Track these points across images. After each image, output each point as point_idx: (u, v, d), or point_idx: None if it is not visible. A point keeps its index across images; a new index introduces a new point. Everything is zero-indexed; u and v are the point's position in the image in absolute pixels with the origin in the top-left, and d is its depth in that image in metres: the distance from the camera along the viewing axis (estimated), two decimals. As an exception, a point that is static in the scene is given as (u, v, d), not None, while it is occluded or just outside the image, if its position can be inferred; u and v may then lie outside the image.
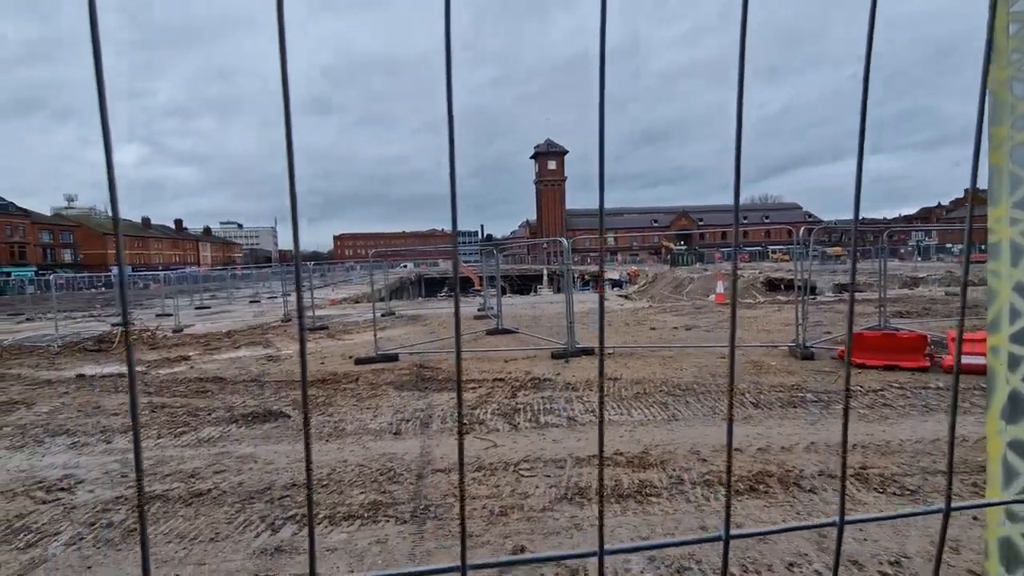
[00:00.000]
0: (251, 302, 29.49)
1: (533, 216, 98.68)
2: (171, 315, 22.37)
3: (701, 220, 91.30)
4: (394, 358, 9.82)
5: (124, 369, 10.28)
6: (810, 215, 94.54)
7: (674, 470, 4.31)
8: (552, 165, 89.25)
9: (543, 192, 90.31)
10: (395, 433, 5.57)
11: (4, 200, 64.25)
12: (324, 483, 4.31)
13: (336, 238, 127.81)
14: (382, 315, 18.87)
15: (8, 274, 56.42)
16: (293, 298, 23.67)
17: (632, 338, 11.25)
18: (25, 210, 68.22)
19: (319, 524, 3.64)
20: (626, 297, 23.91)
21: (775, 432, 5.09)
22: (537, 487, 4.11)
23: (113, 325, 19.15)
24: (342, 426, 5.85)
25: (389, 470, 4.54)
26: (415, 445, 5.18)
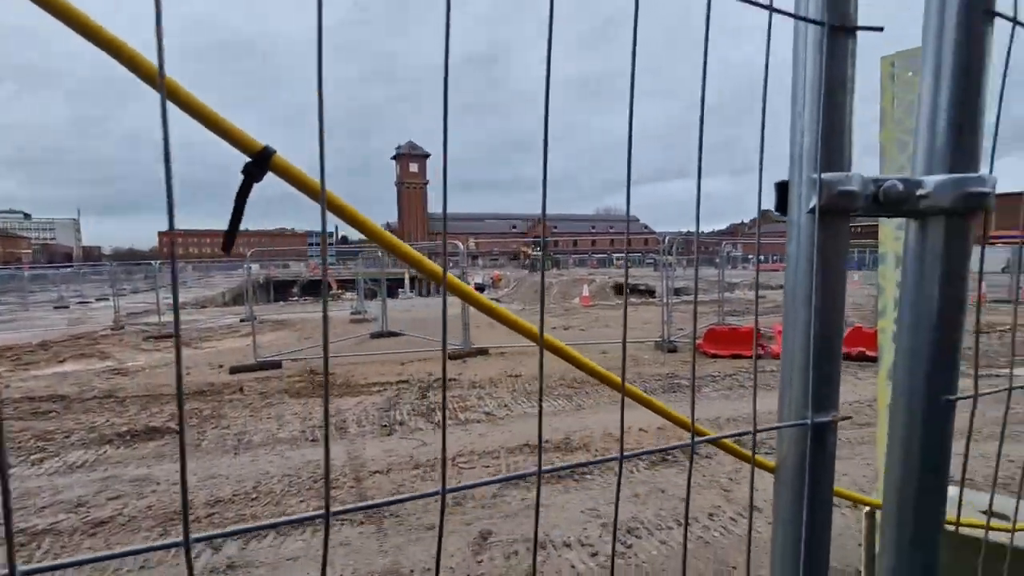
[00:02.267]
0: (57, 307, 24.55)
1: (393, 218, 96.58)
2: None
3: (555, 228, 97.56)
4: (277, 365, 9.16)
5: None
6: (646, 226, 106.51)
7: (596, 450, 4.85)
8: (414, 168, 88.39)
9: (404, 194, 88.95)
10: (312, 440, 5.33)
11: None
12: (254, 496, 4.04)
13: (162, 234, 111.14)
14: (241, 320, 17.18)
15: None
16: (124, 302, 20.33)
17: (519, 339, 11.87)
18: None
19: (265, 537, 3.46)
20: (498, 300, 24.79)
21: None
22: (480, 477, 4.33)
23: None
24: (247, 438, 5.42)
25: (323, 476, 4.39)
26: (340, 450, 5.04)
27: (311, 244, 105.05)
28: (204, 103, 0.47)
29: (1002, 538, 1.89)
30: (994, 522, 2.01)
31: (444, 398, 0.50)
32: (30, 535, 3.49)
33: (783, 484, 0.53)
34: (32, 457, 4.93)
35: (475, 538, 3.39)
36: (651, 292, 30.23)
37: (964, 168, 0.46)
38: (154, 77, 0.46)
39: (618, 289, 36.02)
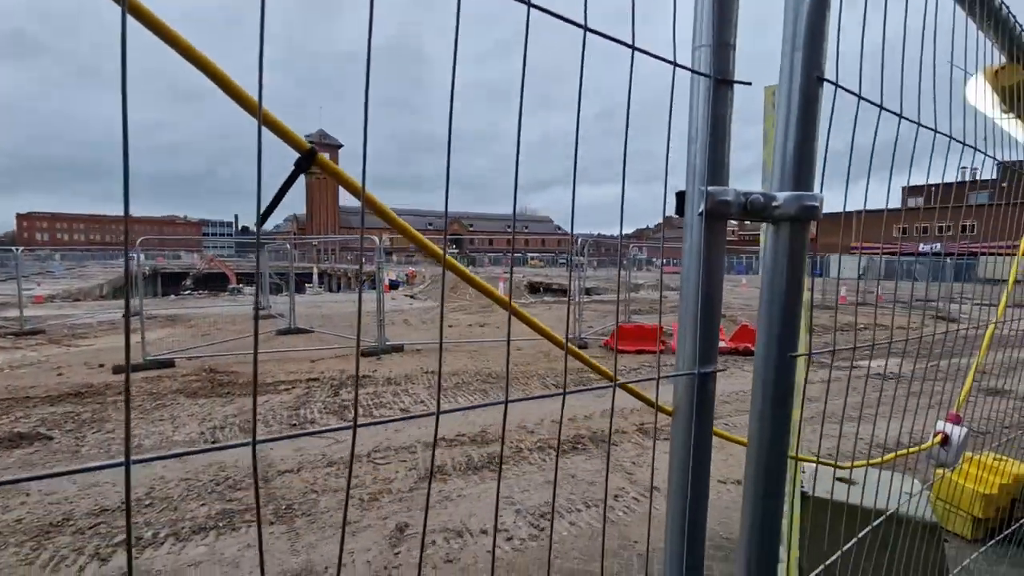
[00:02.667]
0: None
1: (301, 210, 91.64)
2: None
3: (472, 226, 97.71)
4: (169, 364, 8.44)
5: None
6: (559, 228, 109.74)
7: (511, 442, 5.02)
8: (325, 157, 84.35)
9: (313, 186, 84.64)
10: (213, 442, 5.01)
11: None
12: (147, 503, 3.75)
13: (20, 217, 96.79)
14: (123, 315, 15.52)
15: None
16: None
17: (433, 336, 11.84)
18: None
19: (163, 545, 3.24)
20: (412, 297, 24.43)
21: (577, 405, 6.26)
22: (397, 472, 4.34)
23: None
24: (136, 442, 4.99)
25: (226, 479, 4.17)
26: (245, 451, 4.78)
27: (207, 234, 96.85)
28: (256, 99, 0.51)
29: (852, 500, 2.27)
30: (830, 469, 2.39)
31: (439, 376, 0.58)
32: None
33: (678, 422, 0.68)
34: None
35: (392, 531, 3.41)
36: (564, 291, 31.29)
37: (803, 187, 0.63)
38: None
39: (532, 288, 36.88)
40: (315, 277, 42.71)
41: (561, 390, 0.80)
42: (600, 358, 9.28)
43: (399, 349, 9.61)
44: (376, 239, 9.87)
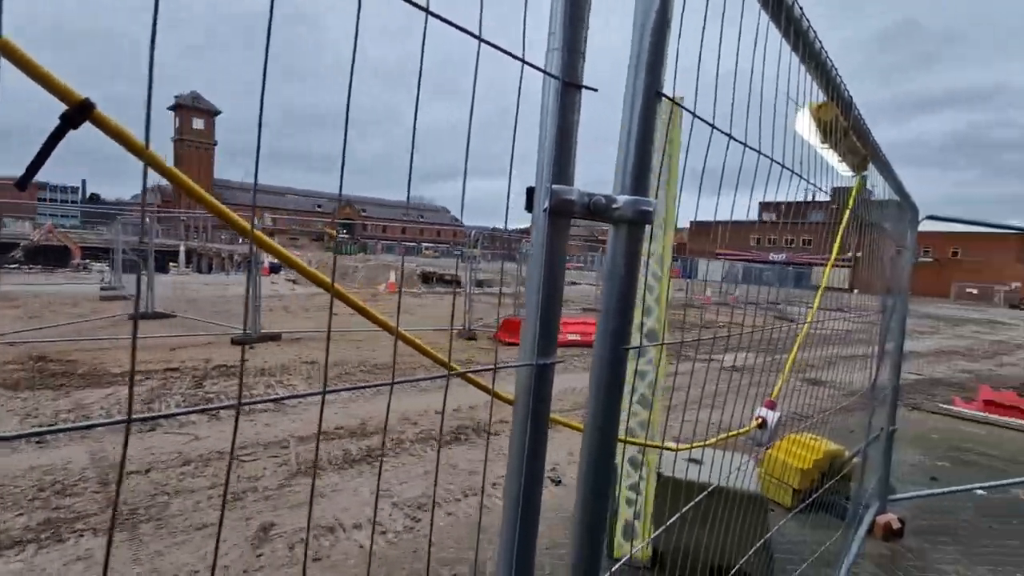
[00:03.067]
0: None
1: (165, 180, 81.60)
2: None
3: (364, 211, 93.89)
4: (-18, 351, 7.11)
5: None
6: (456, 219, 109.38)
7: (392, 434, 4.93)
8: (199, 124, 75.97)
9: (184, 155, 75.88)
10: (38, 443, 4.32)
11: None
12: None
13: None
14: (-80, 292, 12.78)
15: None
16: None
17: (315, 324, 11.23)
18: None
19: (-41, 564, 2.73)
20: (294, 282, 22.92)
21: (462, 394, 6.30)
22: (265, 469, 4.06)
23: None
24: (-70, 444, 4.14)
25: (53, 483, 3.62)
26: (79, 452, 4.18)
27: (43, 200, 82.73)
28: (18, 45, 0.42)
29: (694, 478, 2.53)
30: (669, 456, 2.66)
31: (327, 354, 0.53)
32: None
33: (517, 411, 0.70)
34: None
35: (255, 532, 3.18)
36: (458, 282, 31.28)
37: (640, 192, 0.69)
38: None
39: (425, 277, 36.39)
40: (182, 256, 38.42)
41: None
42: (487, 350, 9.43)
43: (275, 338, 8.98)
44: (268, 216, 9.08)
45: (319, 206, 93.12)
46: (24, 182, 0.48)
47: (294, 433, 4.82)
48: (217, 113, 77.54)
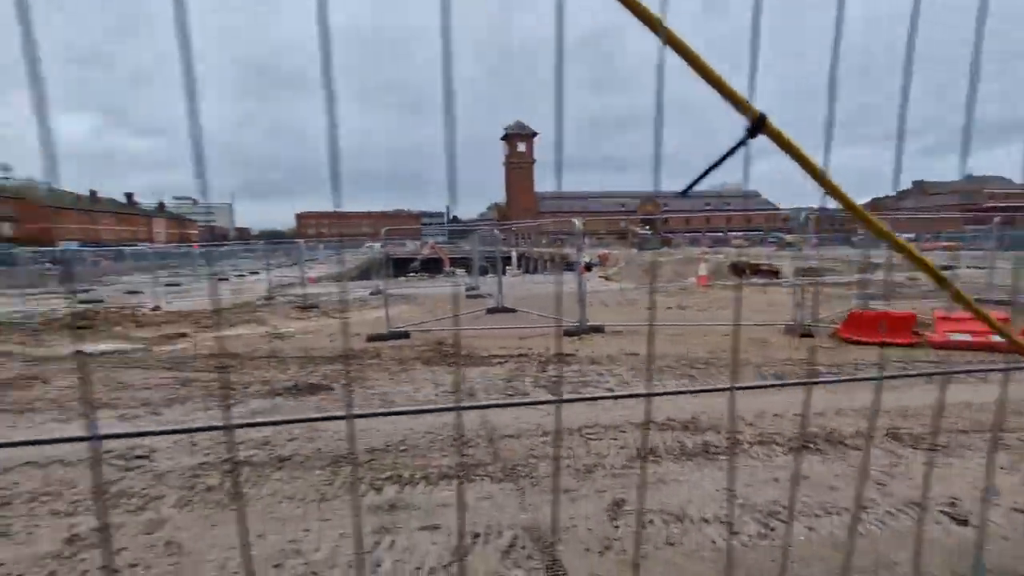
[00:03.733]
0: (220, 279, 28.64)
1: (500, 198, 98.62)
2: (140, 292, 21.56)
3: (666, 205, 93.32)
4: (405, 335, 9.94)
5: (120, 346, 10.00)
6: (768, 201, 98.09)
7: (728, 433, 4.71)
8: (522, 147, 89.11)
9: (512, 174, 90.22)
10: (457, 401, 5.76)
11: (-68, 167, 59.15)
12: (403, 448, 4.50)
13: (299, 216, 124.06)
14: (370, 294, 18.77)
15: (-60, 248, 52.46)
16: (274, 275, 23.04)
17: (631, 318, 11.71)
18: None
19: (416, 484, 3.85)
20: (607, 278, 24.51)
21: (801, 402, 5.57)
22: (609, 448, 4.43)
23: (80, 302, 18.33)
24: (390, 398, 6.00)
25: (458, 437, 4.76)
26: (472, 415, 5.40)
27: (424, 224, 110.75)
28: (707, 63, 0.57)
29: None
30: None
31: (650, 358, 0.57)
32: (233, 462, 4.21)
33: None
34: (224, 403, 5.89)
35: (609, 505, 3.50)
36: (775, 272, 27.92)
37: None
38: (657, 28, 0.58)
39: (735, 269, 33.76)
40: (514, 259, 45.65)
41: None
42: (830, 349, 8.10)
43: (599, 329, 9.74)
44: (577, 222, 10.08)
45: (622, 205, 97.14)
46: (687, 190, 0.62)
47: (628, 419, 5.11)
48: (534, 135, 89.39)
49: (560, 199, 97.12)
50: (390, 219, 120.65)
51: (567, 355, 7.99)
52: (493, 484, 3.84)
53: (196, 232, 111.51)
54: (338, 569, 2.86)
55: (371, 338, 9.73)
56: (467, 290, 18.62)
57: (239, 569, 2.83)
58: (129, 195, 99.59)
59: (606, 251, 49.66)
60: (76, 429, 5.11)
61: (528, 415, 5.31)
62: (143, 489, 3.82)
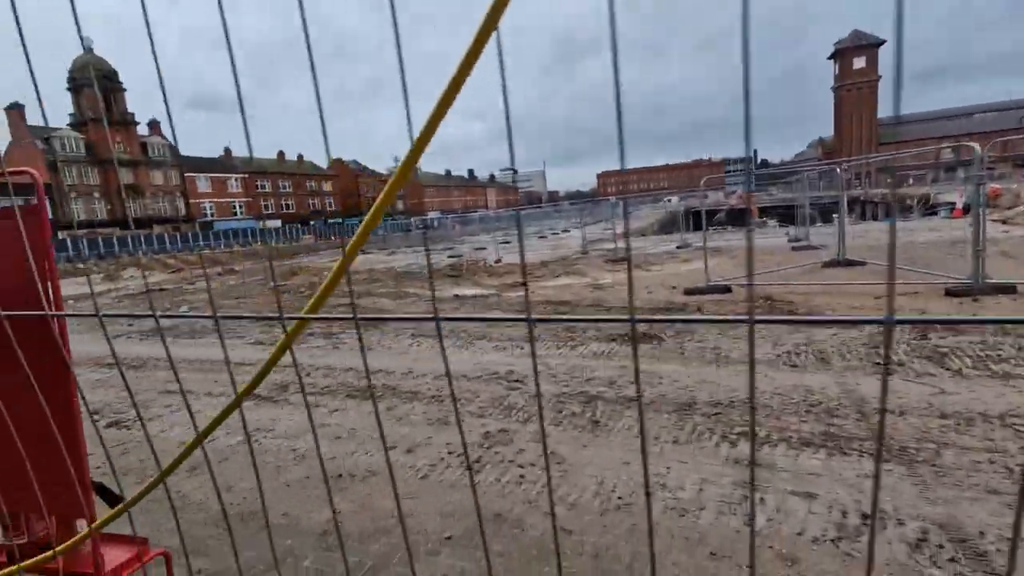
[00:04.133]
0: (539, 238, 32.68)
1: (826, 132, 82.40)
2: (484, 248, 26.29)
3: (1119, 110, 62.31)
4: (727, 290, 9.37)
5: (480, 292, 12.42)
6: None
7: None
8: (860, 63, 71.73)
9: (844, 99, 73.89)
10: (792, 366, 5.21)
11: (360, 164, 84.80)
12: (736, 406, 4.26)
13: (599, 176, 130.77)
14: (677, 247, 18.46)
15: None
16: (589, 232, 24.91)
17: (1065, 274, 8.27)
18: (375, 171, 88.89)
19: (774, 445, 3.59)
20: (1003, 222, 17.97)
21: None
22: (1058, 448, 3.24)
23: (449, 256, 23.50)
24: (723, 353, 5.77)
25: (819, 404, 4.23)
26: (827, 380, 4.72)
27: (728, 172, 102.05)
28: None
29: None
30: None
31: None
32: (588, 396, 4.74)
33: None
34: (569, 344, 6.68)
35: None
36: None
37: None
38: None
39: None
40: (843, 205, 37.92)
41: None
42: None
43: (1008, 290, 7.21)
44: (976, 147, 7.51)
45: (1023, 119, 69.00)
46: None
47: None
48: (879, 44, 70.49)
49: (913, 123, 75.16)
50: (690, 170, 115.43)
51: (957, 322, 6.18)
52: (872, 462, 3.27)
53: (517, 197, 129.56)
54: (707, 512, 2.91)
55: (689, 291, 9.54)
56: (791, 242, 16.41)
57: (615, 487, 3.17)
58: (471, 171, 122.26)
59: (996, 185, 36.59)
60: (468, 355, 6.60)
61: (909, 390, 4.34)
62: (523, 406, 4.66)
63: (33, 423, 2.17)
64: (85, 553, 2.40)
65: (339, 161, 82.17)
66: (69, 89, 58.09)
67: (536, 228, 42.95)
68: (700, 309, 8.10)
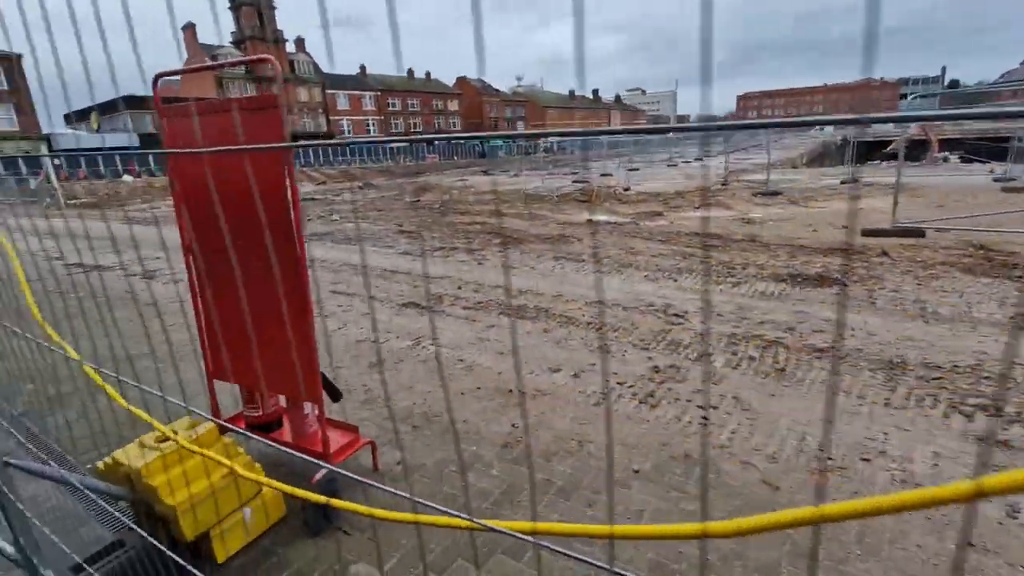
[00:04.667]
0: (669, 165, 30.51)
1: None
2: (610, 175, 25.11)
3: None
4: (919, 233, 7.95)
5: (613, 218, 11.86)
6: None
7: None
8: None
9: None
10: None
11: (485, 82, 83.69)
12: (985, 375, 3.55)
13: (740, 98, 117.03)
14: (841, 182, 16.13)
15: (487, 142, 75.50)
16: (718, 161, 22.69)
17: None
18: (497, 90, 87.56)
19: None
20: None
21: None
22: None
23: (574, 181, 22.80)
24: (929, 308, 4.89)
25: (1082, 380, 3.40)
26: (1088, 354, 3.78)
27: (906, 96, 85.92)
28: None
29: None
30: None
31: None
32: (766, 341, 4.28)
33: None
34: (729, 280, 6.11)
35: None
36: None
37: None
38: None
39: None
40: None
41: None
42: None
43: None
44: None
45: None
46: None
47: None
48: None
49: None
50: (852, 92, 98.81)
51: None
52: None
53: (644, 121, 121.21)
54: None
55: (869, 232, 8.25)
56: (998, 180, 13.52)
57: (821, 446, 2.81)
58: (595, 91, 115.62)
59: None
60: (618, 283, 6.31)
61: None
62: (689, 343, 4.33)
63: (273, 309, 2.30)
64: (311, 432, 2.59)
65: (464, 80, 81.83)
66: (230, 8, 62.93)
67: (665, 155, 40.13)
68: (886, 253, 6.96)
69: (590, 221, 11.59)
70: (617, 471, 2.67)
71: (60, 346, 2.31)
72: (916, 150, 30.51)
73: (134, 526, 1.81)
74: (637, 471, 2.67)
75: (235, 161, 2.15)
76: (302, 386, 2.36)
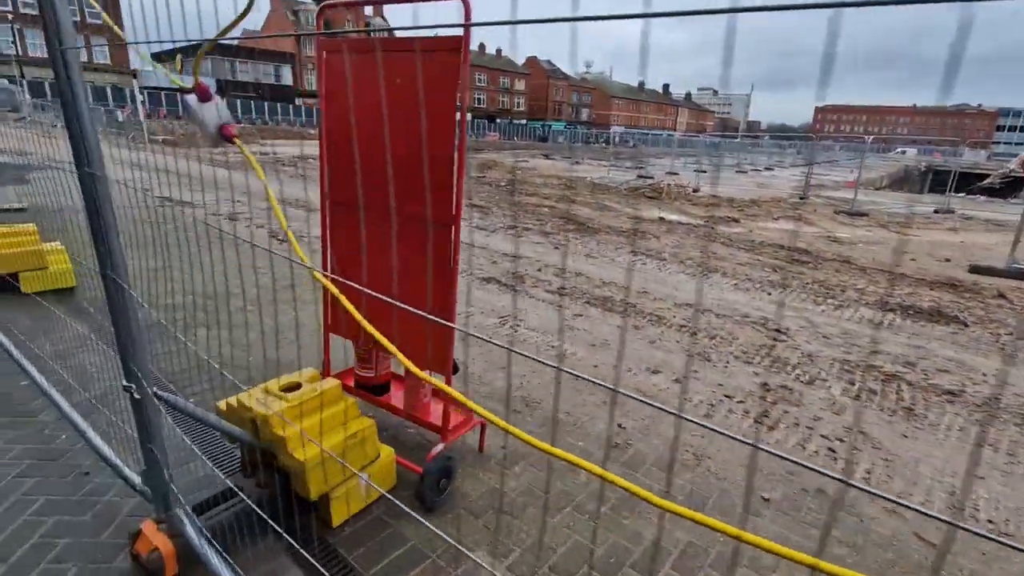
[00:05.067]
0: (738, 171, 29.28)
1: None
2: (676, 174, 24.29)
3: None
4: (1034, 278, 7.24)
5: (685, 219, 11.39)
6: None
7: None
8: None
9: None
10: None
11: (554, 65, 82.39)
12: None
13: (818, 110, 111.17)
14: (935, 211, 15.02)
15: (549, 126, 74.61)
16: (788, 173, 21.50)
17: None
18: (566, 74, 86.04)
19: None
20: None
21: None
22: None
23: (638, 176, 22.16)
24: (1067, 362, 4.39)
25: None
26: None
27: (1000, 128, 79.65)
28: None
29: None
30: None
31: None
32: (885, 374, 3.92)
33: None
34: (828, 302, 5.69)
35: None
36: None
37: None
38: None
39: None
40: None
41: None
42: None
43: None
44: None
45: None
46: None
47: None
48: None
49: None
50: (942, 117, 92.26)
51: None
52: None
53: (712, 123, 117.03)
54: None
55: (977, 270, 7.58)
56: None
57: (978, 505, 2.50)
58: (666, 86, 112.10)
59: None
60: (706, 288, 5.98)
61: None
62: (797, 363, 4.01)
63: (418, 269, 2.15)
64: (425, 403, 2.47)
65: (533, 59, 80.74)
66: (314, -37, 63.82)
67: (732, 160, 38.63)
68: (1004, 296, 6.35)
69: (662, 219, 11.16)
70: (742, 493, 2.44)
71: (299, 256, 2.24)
72: (1014, 186, 28.20)
73: (262, 480, 1.71)
74: (767, 499, 2.44)
75: (404, 110, 2.00)
76: (430, 353, 2.23)
